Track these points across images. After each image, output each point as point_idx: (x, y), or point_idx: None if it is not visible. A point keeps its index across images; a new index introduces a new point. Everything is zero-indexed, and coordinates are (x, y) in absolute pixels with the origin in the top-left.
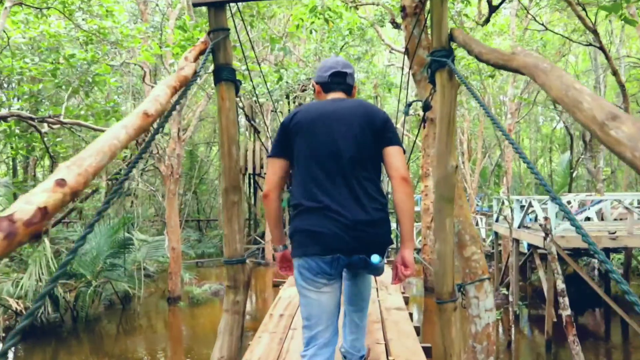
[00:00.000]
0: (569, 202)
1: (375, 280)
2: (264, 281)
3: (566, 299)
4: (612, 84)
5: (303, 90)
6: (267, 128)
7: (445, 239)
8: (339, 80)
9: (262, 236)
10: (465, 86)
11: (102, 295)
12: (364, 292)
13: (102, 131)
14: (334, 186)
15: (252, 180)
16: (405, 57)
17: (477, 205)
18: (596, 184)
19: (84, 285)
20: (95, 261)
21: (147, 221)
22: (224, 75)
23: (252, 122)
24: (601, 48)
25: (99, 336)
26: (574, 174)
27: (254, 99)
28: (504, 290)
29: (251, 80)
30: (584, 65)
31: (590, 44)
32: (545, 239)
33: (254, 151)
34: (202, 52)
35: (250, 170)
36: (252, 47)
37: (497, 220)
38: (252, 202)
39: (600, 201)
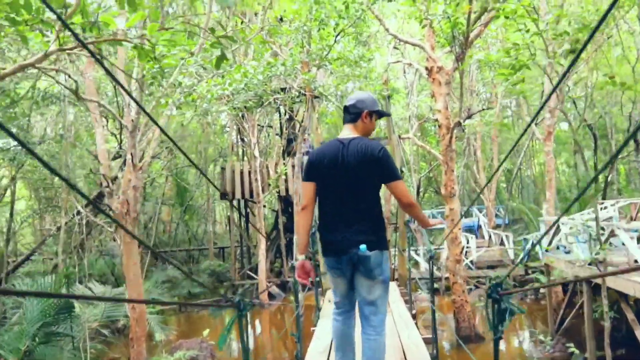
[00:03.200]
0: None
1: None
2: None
3: None
4: None
5: (299, 96)
6: (254, 146)
7: None
8: (347, 113)
9: (256, 270)
10: None
11: None
12: (372, 287)
13: None
14: (341, 212)
15: (242, 208)
16: (413, 50)
17: (497, 216)
18: None
19: None
20: (20, 336)
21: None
22: None
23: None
24: None
25: None
26: (609, 178)
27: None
28: (575, 349)
29: None
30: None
31: None
32: None
33: (242, 174)
34: None
35: (238, 196)
36: None
37: (547, 249)
38: (245, 232)
39: None
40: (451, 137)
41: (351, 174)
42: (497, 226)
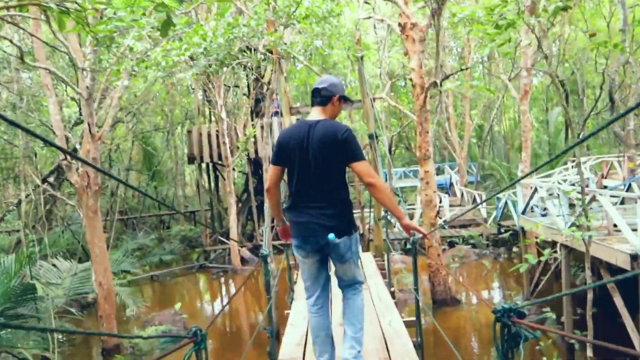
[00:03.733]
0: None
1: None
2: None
3: None
4: None
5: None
6: (221, 107)
7: None
8: (317, 96)
9: (228, 235)
10: None
11: None
12: (345, 268)
13: None
14: (308, 193)
15: (210, 171)
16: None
17: (469, 173)
18: (625, 149)
19: None
20: None
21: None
22: None
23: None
24: None
25: None
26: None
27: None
28: (550, 313)
29: None
30: None
31: None
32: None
33: (209, 136)
34: None
35: (207, 159)
36: None
37: (524, 212)
38: (215, 196)
39: None
40: (425, 97)
41: (317, 155)
42: (470, 183)
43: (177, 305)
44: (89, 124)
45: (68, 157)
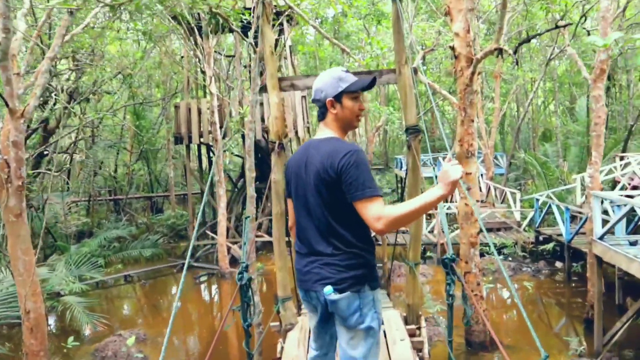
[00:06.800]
0: None
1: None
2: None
3: None
4: None
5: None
6: (210, 79)
7: None
8: (318, 107)
9: (215, 229)
10: None
11: None
12: (352, 339)
13: None
14: (309, 234)
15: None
16: None
17: (497, 165)
18: None
19: None
20: None
21: None
22: None
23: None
24: None
25: None
26: (633, 128)
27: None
28: None
29: None
30: None
31: None
32: None
33: (200, 113)
34: None
35: (195, 139)
36: None
37: (602, 237)
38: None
39: None
40: (473, 74)
41: (313, 188)
42: (498, 175)
43: (131, 341)
44: (5, 98)
45: None
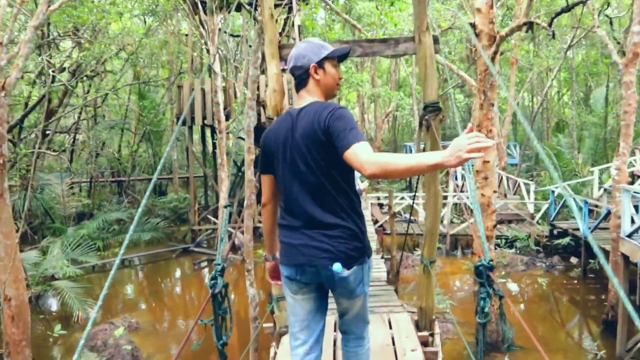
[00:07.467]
0: None
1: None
2: None
3: None
4: None
5: None
6: (214, 58)
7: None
8: (295, 79)
9: (216, 213)
10: None
11: None
12: (352, 305)
13: None
14: (303, 207)
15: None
16: None
17: (509, 155)
18: None
19: None
20: None
21: None
22: None
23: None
24: None
25: None
26: None
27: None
28: None
29: None
30: None
31: None
32: None
33: (204, 93)
34: None
35: (198, 121)
36: None
37: (631, 235)
38: (212, 164)
39: None
40: (496, 53)
41: (305, 155)
42: (511, 165)
43: (119, 332)
44: None
45: None
